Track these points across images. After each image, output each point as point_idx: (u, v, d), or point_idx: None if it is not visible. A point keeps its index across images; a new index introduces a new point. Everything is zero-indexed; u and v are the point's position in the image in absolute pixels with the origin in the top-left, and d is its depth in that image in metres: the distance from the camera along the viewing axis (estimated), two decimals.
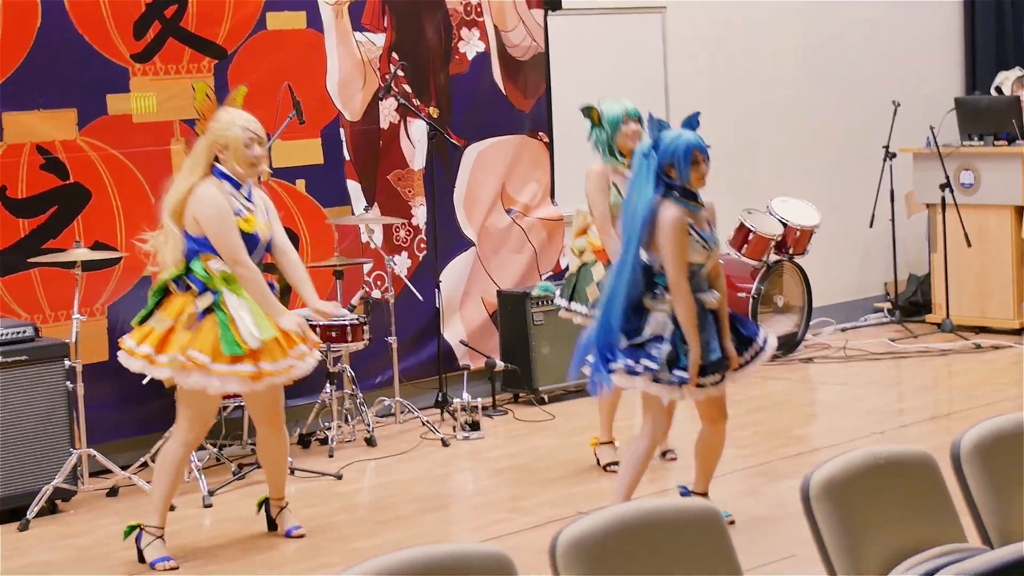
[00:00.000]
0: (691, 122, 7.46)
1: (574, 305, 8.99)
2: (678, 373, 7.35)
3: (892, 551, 4.76)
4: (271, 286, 7.89)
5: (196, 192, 7.53)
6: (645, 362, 7.35)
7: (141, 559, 7.73)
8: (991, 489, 5.11)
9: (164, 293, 7.66)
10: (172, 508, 8.34)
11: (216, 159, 7.58)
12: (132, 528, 7.80)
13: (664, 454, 9.29)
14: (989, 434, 5.19)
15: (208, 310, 7.52)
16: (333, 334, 9.60)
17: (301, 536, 8.10)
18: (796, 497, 8.17)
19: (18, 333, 8.74)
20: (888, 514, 4.82)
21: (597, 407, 9.18)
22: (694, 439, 7.93)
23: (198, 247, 7.52)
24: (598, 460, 9.19)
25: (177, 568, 7.68)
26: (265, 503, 8.22)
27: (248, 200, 7.62)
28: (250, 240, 7.54)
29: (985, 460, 5.15)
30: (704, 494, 7.96)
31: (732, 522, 7.80)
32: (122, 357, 7.68)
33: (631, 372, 7.38)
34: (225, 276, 7.53)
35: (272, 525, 8.21)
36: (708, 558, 4.52)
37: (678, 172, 7.27)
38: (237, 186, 7.58)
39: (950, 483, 5.11)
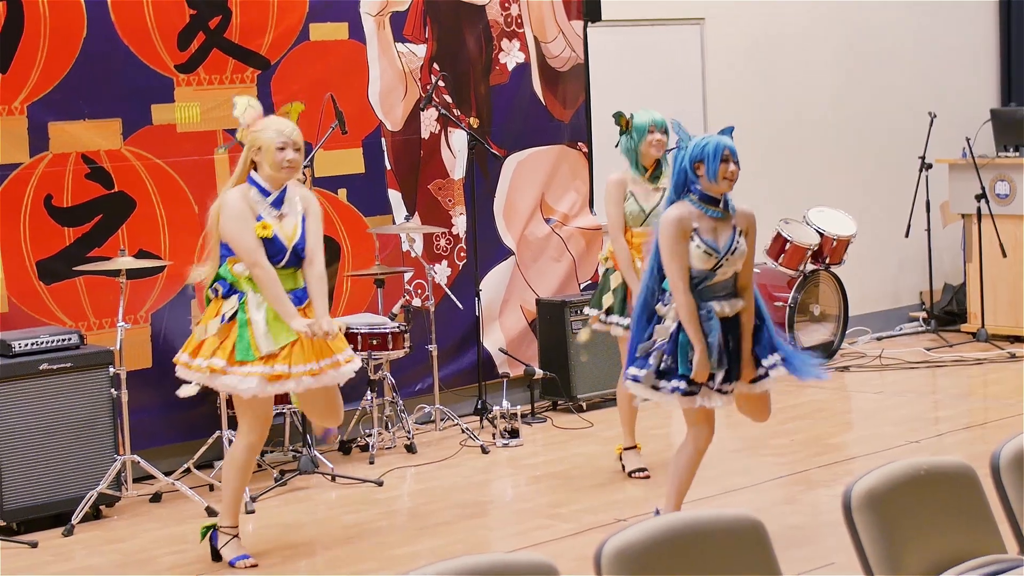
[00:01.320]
0: (725, 132, 7.41)
1: (586, 310, 9.05)
2: (674, 383, 7.27)
3: (932, 561, 4.72)
4: (301, 294, 7.82)
5: (221, 198, 7.61)
6: (644, 371, 7.30)
7: (216, 558, 7.76)
8: None
9: (210, 301, 7.69)
10: (212, 512, 8.37)
11: (254, 166, 7.58)
12: (208, 529, 7.82)
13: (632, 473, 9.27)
14: None
15: (234, 314, 7.53)
16: (374, 342, 9.60)
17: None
18: (833, 505, 8.15)
19: (63, 341, 8.75)
20: (929, 524, 4.79)
21: (619, 417, 9.22)
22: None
23: (226, 251, 7.57)
24: (623, 467, 9.18)
25: (256, 566, 7.71)
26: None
27: (276, 207, 7.58)
28: (271, 244, 7.51)
29: None
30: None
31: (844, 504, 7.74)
32: (180, 372, 7.69)
33: (635, 380, 7.35)
34: (250, 278, 7.53)
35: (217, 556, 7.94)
36: (752, 567, 4.48)
37: (706, 168, 7.11)
38: (266, 194, 7.57)
39: (989, 494, 5.06)
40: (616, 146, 8.92)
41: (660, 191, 8.69)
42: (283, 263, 7.56)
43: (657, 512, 7.74)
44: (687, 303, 7.14)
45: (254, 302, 7.51)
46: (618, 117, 8.86)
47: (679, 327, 7.22)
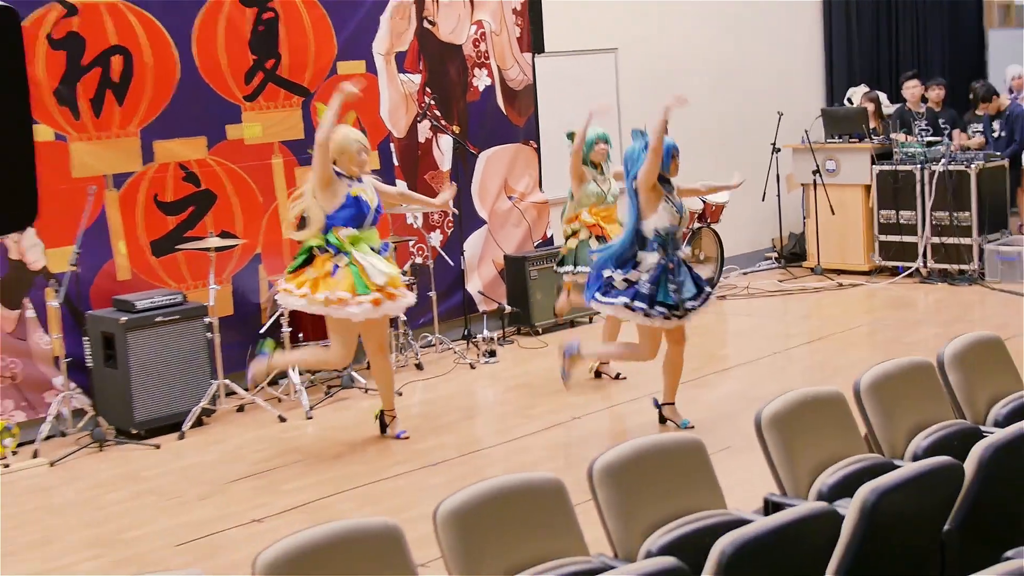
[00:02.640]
0: (641, 133, 7.62)
1: (580, 268, 8.99)
2: (659, 308, 7.46)
3: (819, 460, 4.86)
4: (386, 245, 7.93)
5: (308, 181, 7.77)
6: (639, 304, 7.46)
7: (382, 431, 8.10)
8: (882, 413, 5.22)
9: (308, 254, 7.71)
10: (283, 419, 8.43)
11: (334, 161, 7.65)
12: (379, 413, 8.19)
13: (617, 376, 9.37)
14: (880, 375, 5.29)
15: (347, 264, 7.61)
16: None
17: (407, 438, 8.15)
18: (724, 403, 8.35)
19: (172, 300, 8.79)
20: (815, 435, 4.91)
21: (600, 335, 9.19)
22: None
23: (331, 222, 7.62)
24: (598, 374, 9.27)
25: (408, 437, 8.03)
26: (381, 414, 8.30)
27: (358, 181, 7.74)
28: (359, 204, 7.65)
29: (878, 392, 5.25)
30: (671, 403, 8.07)
31: (692, 427, 7.90)
32: (281, 297, 7.73)
33: (628, 307, 7.49)
34: (352, 239, 7.61)
35: (384, 429, 8.26)
36: (694, 470, 4.60)
37: (664, 161, 7.50)
38: (349, 179, 7.68)
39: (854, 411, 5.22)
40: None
41: (607, 179, 8.88)
42: (368, 222, 7.72)
43: (655, 401, 7.97)
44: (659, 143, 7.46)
45: (358, 254, 7.60)
46: (570, 136, 8.92)
47: (662, 268, 7.43)
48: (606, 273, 7.58)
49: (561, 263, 9.14)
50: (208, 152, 9.49)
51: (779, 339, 10.58)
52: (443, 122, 10.87)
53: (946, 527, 4.41)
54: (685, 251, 7.69)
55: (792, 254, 13.79)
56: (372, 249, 7.69)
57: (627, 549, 4.29)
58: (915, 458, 5.04)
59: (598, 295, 7.63)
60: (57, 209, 8.69)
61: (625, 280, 7.51)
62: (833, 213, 12.85)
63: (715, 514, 4.41)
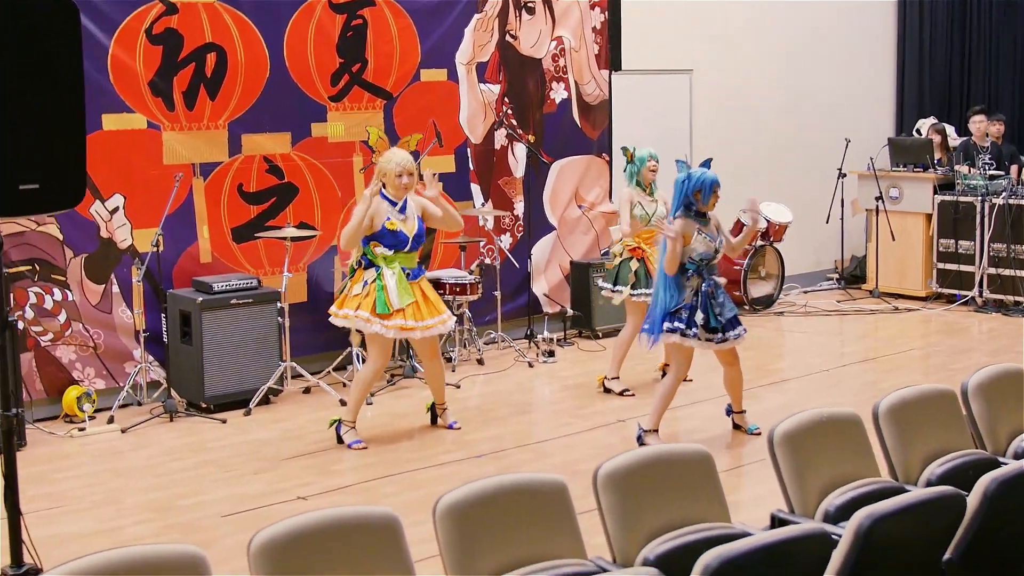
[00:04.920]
0: (707, 163, 7.39)
1: (619, 288, 8.81)
2: (711, 335, 7.29)
3: (829, 481, 4.64)
4: (420, 269, 7.73)
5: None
6: (678, 324, 7.28)
7: (340, 441, 7.74)
8: (899, 438, 4.97)
9: (353, 271, 7.66)
10: (344, 403, 8.36)
11: (383, 184, 7.55)
12: (334, 421, 7.81)
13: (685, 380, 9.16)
14: (897, 400, 5.05)
15: (373, 281, 7.49)
16: (458, 288, 9.54)
17: (459, 428, 8.05)
18: (769, 416, 8.11)
19: (247, 284, 8.75)
20: (826, 456, 4.69)
21: (612, 352, 9.02)
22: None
23: (365, 240, 7.54)
24: (606, 389, 8.95)
25: (366, 448, 7.68)
26: (432, 406, 8.19)
27: (401, 212, 7.56)
28: (394, 236, 7.52)
29: (896, 417, 5.01)
30: (741, 412, 7.94)
31: (759, 433, 7.72)
32: (336, 321, 7.64)
33: (670, 332, 7.32)
34: (384, 256, 7.49)
35: (434, 420, 8.16)
36: (703, 488, 4.41)
37: (702, 196, 7.27)
38: (393, 204, 7.54)
39: (871, 433, 4.98)
40: (624, 171, 8.80)
41: (656, 201, 8.68)
42: (407, 248, 7.57)
43: (639, 427, 7.67)
44: (674, 259, 7.20)
45: (388, 273, 7.48)
46: (624, 151, 8.75)
47: (704, 295, 7.26)
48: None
49: (634, 286, 8.89)
50: (292, 147, 9.43)
51: (832, 357, 10.29)
52: (519, 131, 10.72)
53: (947, 556, 4.16)
54: (721, 280, 7.42)
55: (853, 276, 13.44)
56: (404, 272, 7.54)
57: (625, 555, 4.10)
58: (928, 485, 4.80)
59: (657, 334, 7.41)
60: (147, 193, 8.69)
61: (673, 314, 7.32)
62: (894, 239, 12.50)
63: (717, 527, 4.21)
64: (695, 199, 7.30)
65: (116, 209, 8.63)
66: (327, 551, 3.62)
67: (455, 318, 7.83)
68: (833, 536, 3.89)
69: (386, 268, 7.49)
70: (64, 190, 4.33)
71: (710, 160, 7.40)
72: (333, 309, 7.64)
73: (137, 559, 3.42)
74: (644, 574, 3.30)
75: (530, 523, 3.98)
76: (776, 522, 4.47)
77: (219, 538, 6.08)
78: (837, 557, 3.76)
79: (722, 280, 7.46)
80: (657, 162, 8.69)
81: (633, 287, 8.76)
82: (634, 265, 8.73)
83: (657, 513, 4.20)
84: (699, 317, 7.25)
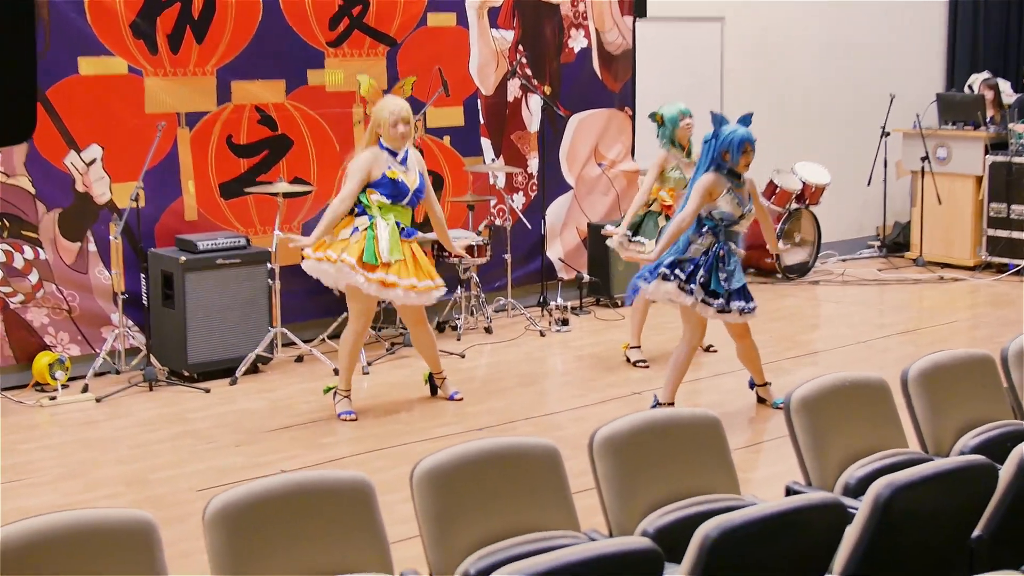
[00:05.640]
0: (745, 120, 7.23)
1: (637, 237, 8.67)
2: (711, 299, 7.16)
3: (849, 453, 4.52)
4: (412, 231, 7.58)
5: (355, 154, 7.56)
6: (679, 273, 7.15)
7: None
8: (930, 407, 4.85)
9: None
10: (338, 372, 8.26)
11: (378, 134, 7.46)
12: (330, 388, 7.75)
13: (708, 348, 9.09)
14: (929, 365, 4.92)
15: (365, 228, 7.39)
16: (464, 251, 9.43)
17: (461, 399, 7.97)
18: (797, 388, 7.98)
19: (235, 243, 8.66)
20: (848, 424, 4.58)
21: (630, 318, 8.96)
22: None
23: (365, 187, 7.41)
24: (627, 358, 8.89)
25: (356, 419, 7.60)
26: (430, 376, 8.09)
27: (402, 164, 7.46)
28: (395, 185, 7.40)
29: (928, 384, 4.88)
30: (764, 384, 7.83)
31: (783, 407, 7.60)
32: (307, 264, 7.52)
33: (665, 279, 7.16)
34: (380, 205, 7.39)
35: (434, 391, 8.09)
36: (709, 450, 4.30)
37: (731, 157, 7.12)
38: (394, 154, 7.45)
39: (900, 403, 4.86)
40: (657, 136, 8.64)
41: (694, 163, 8.54)
42: (405, 202, 7.48)
43: (655, 399, 7.56)
44: (687, 220, 7.12)
45: (381, 223, 7.38)
46: (653, 116, 8.61)
47: (714, 255, 7.12)
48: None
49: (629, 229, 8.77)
50: (287, 96, 9.33)
51: (869, 328, 10.14)
52: (534, 82, 10.59)
53: (976, 533, 4.03)
54: (741, 251, 7.27)
55: (895, 243, 13.26)
56: (399, 227, 7.43)
57: (623, 528, 4.00)
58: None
59: (644, 282, 7.29)
60: (127, 144, 8.61)
61: (675, 263, 7.17)
62: (940, 203, 12.33)
63: (724, 498, 4.11)
64: (723, 159, 7.15)
65: (93, 161, 8.54)
66: (290, 519, 3.52)
67: (446, 289, 7.68)
68: (850, 509, 3.77)
69: (380, 219, 7.38)
70: (11, 123, 4.23)
71: (750, 116, 7.22)
72: (307, 251, 7.45)
73: (81, 523, 3.33)
74: (635, 544, 3.19)
75: (517, 492, 3.89)
76: (791, 495, 4.34)
77: (192, 513, 6.00)
78: (852, 532, 3.65)
79: (741, 252, 7.28)
80: (691, 118, 8.54)
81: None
82: (662, 222, 8.59)
83: (658, 483, 4.09)
84: (700, 275, 7.11)
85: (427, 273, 7.51)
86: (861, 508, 3.69)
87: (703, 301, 7.18)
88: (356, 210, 7.46)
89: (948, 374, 4.93)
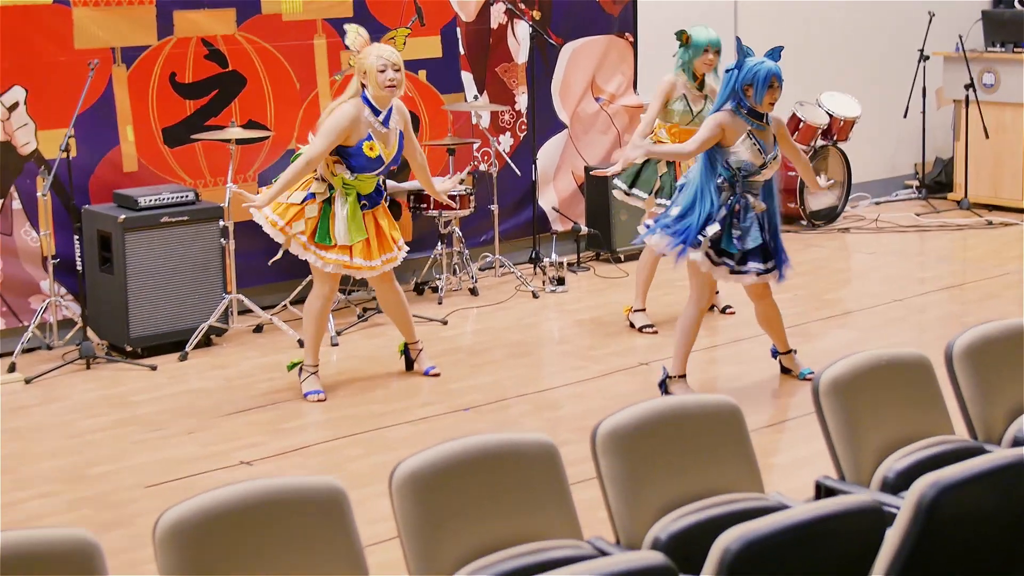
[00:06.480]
0: (774, 54, 7.20)
1: (634, 191, 8.68)
2: (724, 259, 7.17)
3: (887, 441, 4.53)
4: (380, 192, 7.61)
5: (336, 106, 7.47)
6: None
7: None
8: (979, 386, 4.85)
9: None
10: (303, 344, 8.26)
11: (363, 85, 7.40)
12: (295, 364, 7.74)
13: (724, 310, 9.11)
14: (978, 338, 4.91)
15: (323, 199, 7.40)
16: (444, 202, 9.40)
17: (437, 375, 7.99)
18: (825, 358, 7.99)
19: (182, 197, 8.64)
20: (886, 409, 4.58)
21: (635, 279, 8.98)
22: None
23: (334, 152, 7.40)
24: (632, 324, 8.89)
25: (324, 400, 7.61)
26: (405, 348, 8.09)
27: (384, 125, 7.42)
28: (373, 162, 7.40)
29: (976, 360, 4.88)
30: (788, 352, 7.83)
31: (811, 378, 7.61)
32: (258, 218, 7.50)
33: (674, 234, 7.19)
34: (344, 181, 7.40)
35: (410, 365, 8.09)
36: (727, 442, 4.29)
37: (754, 92, 7.13)
38: (377, 112, 7.40)
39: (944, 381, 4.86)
40: (674, 55, 8.62)
41: (704, 97, 8.52)
42: (376, 172, 7.47)
43: (664, 371, 7.56)
44: (687, 152, 7.30)
45: (339, 202, 7.38)
46: (680, 34, 8.56)
47: (728, 210, 7.11)
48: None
49: (657, 193, 8.77)
50: (238, 27, 9.27)
51: (907, 283, 10.16)
52: (521, 6, 10.54)
53: None
54: (760, 204, 7.25)
55: (936, 183, 13.26)
56: (360, 201, 7.44)
57: (631, 534, 4.01)
58: (1015, 445, 4.69)
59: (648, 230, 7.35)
60: (55, 85, 8.56)
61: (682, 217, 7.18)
62: (987, 136, 12.33)
63: (745, 498, 4.11)
64: (745, 94, 7.12)
65: (15, 105, 8.50)
66: (252, 535, 3.52)
67: (406, 249, 7.72)
68: (889, 510, 3.78)
69: (339, 196, 7.41)
70: None
71: (779, 49, 7.20)
72: (260, 199, 7.41)
73: (8, 549, 3.30)
74: (648, 560, 3.19)
75: (511, 496, 3.89)
76: (822, 492, 4.36)
77: (139, 514, 6.02)
78: (893, 537, 3.65)
79: (761, 205, 7.24)
80: (718, 54, 8.51)
81: (657, 194, 8.64)
82: (661, 168, 8.60)
83: (671, 482, 4.10)
84: (711, 228, 7.09)
85: (386, 245, 7.57)
86: (902, 510, 3.70)
87: (712, 260, 7.18)
88: (316, 171, 7.43)
89: (999, 347, 4.93)
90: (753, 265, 7.23)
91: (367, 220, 7.47)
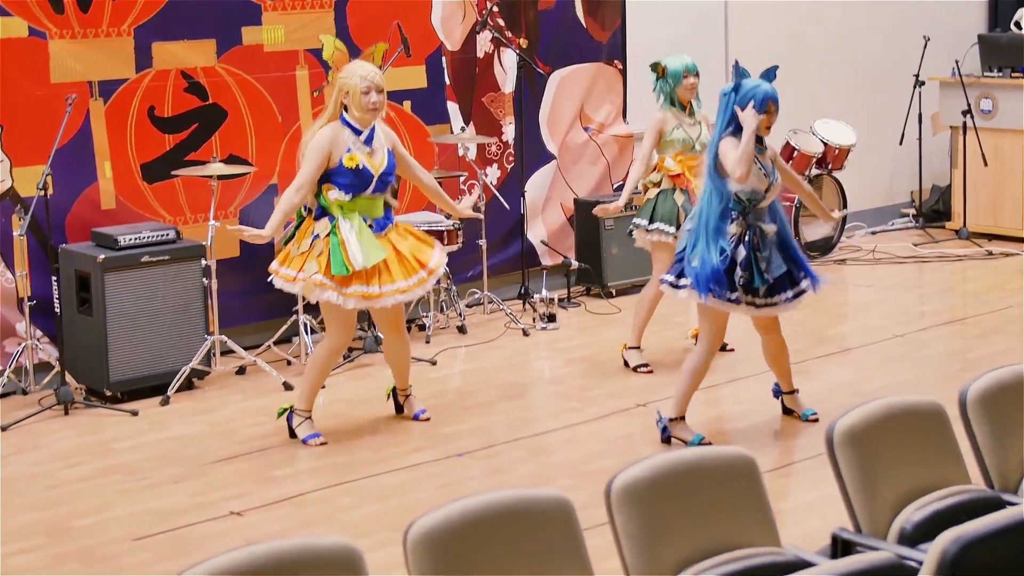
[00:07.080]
0: (769, 74, 7.27)
1: (659, 226, 8.64)
2: (730, 295, 7.22)
3: (904, 491, 4.61)
4: (388, 217, 7.63)
5: (313, 131, 7.51)
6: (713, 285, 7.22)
7: (292, 435, 7.71)
8: (995, 434, 4.93)
9: (300, 217, 7.56)
10: (288, 387, 8.33)
11: (344, 107, 7.45)
12: (284, 410, 7.77)
13: (723, 348, 9.16)
14: (992, 384, 4.99)
15: (328, 235, 7.41)
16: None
17: (427, 419, 8.01)
18: (825, 398, 8.10)
19: (162, 236, 8.68)
20: (901, 459, 4.66)
21: (632, 315, 9.02)
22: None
23: (322, 180, 7.43)
24: (626, 363, 8.95)
25: (326, 443, 7.65)
26: (393, 391, 8.14)
27: (367, 144, 7.47)
28: (356, 174, 7.40)
29: (991, 406, 4.96)
30: (791, 392, 7.91)
31: (816, 419, 7.76)
32: (277, 282, 7.55)
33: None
34: (341, 204, 7.41)
35: (399, 409, 8.13)
36: (743, 500, 4.36)
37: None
38: (358, 132, 7.45)
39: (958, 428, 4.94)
40: (653, 90, 8.71)
41: (698, 123, 8.62)
42: (371, 190, 7.48)
43: (659, 416, 7.60)
44: (744, 171, 7.09)
45: (345, 226, 7.39)
46: (654, 67, 8.67)
47: (748, 246, 7.16)
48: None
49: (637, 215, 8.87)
50: (218, 59, 9.35)
51: (907, 318, 10.26)
52: (507, 34, 10.64)
53: None
54: (771, 227, 7.31)
55: (934, 212, 13.40)
56: (367, 223, 7.46)
57: None
58: None
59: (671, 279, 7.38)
60: (30, 120, 8.63)
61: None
62: (986, 164, 12.46)
63: (762, 552, 4.18)
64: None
65: None
66: None
67: (442, 270, 7.78)
68: (908, 562, 3.85)
69: (343, 219, 7.40)
70: None
71: (774, 69, 7.28)
72: (274, 266, 7.53)
73: None
74: None
75: (527, 556, 3.94)
76: (839, 545, 4.43)
77: (129, 567, 6.06)
78: None
79: (771, 227, 7.31)
80: (696, 77, 8.61)
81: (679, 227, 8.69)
82: (679, 198, 8.60)
83: (687, 537, 4.16)
84: (739, 275, 7.16)
85: (413, 264, 7.55)
86: (925, 565, 3.77)
87: (748, 304, 7.25)
88: (315, 212, 7.48)
89: (1015, 393, 5.01)
90: (782, 296, 7.31)
91: (383, 243, 7.47)
